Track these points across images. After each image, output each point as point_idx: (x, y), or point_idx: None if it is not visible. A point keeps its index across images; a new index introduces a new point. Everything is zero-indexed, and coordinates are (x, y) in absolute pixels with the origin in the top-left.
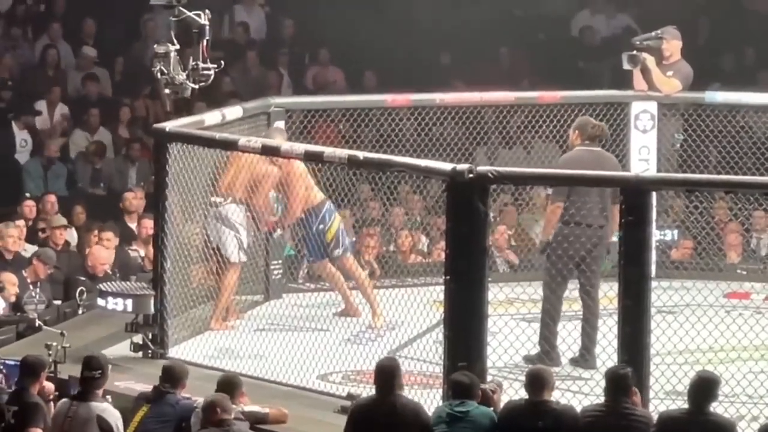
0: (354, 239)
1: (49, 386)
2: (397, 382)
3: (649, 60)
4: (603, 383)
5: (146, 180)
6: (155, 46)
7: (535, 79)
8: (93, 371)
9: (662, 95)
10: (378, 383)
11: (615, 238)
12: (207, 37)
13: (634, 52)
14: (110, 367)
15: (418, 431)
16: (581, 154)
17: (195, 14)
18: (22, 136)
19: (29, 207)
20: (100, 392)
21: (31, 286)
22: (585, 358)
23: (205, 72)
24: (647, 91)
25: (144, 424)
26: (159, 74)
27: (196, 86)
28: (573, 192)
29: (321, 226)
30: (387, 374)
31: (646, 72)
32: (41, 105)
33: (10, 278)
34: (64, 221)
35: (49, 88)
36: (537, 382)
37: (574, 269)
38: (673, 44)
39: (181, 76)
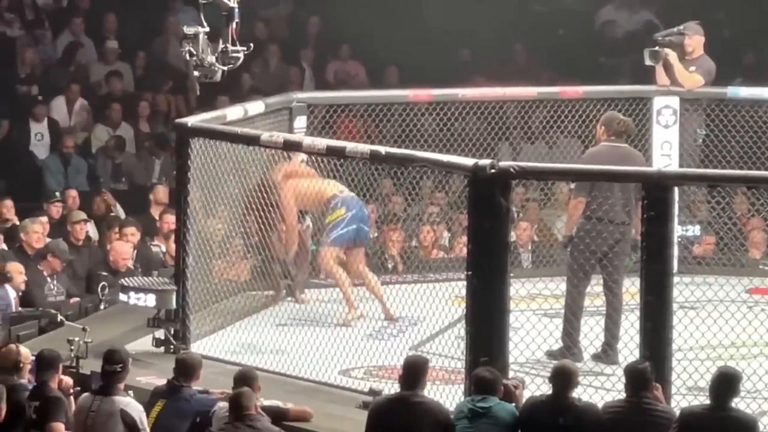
0: (376, 234)
1: (68, 380)
2: (422, 380)
3: (672, 55)
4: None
5: (168, 175)
6: (184, 27)
7: (556, 75)
8: (114, 365)
9: (684, 90)
10: (404, 378)
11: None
12: (236, 20)
13: (656, 48)
14: (131, 360)
15: (438, 430)
16: (605, 149)
17: None
18: (37, 130)
19: (57, 208)
20: (121, 386)
21: (48, 279)
22: (607, 354)
23: (235, 54)
24: (670, 86)
25: (160, 419)
26: (188, 56)
27: (225, 69)
28: (596, 187)
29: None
30: (416, 371)
31: (668, 68)
32: (60, 100)
33: (16, 267)
34: (83, 216)
35: (69, 83)
36: (562, 378)
37: (596, 265)
38: (695, 39)
39: (211, 58)
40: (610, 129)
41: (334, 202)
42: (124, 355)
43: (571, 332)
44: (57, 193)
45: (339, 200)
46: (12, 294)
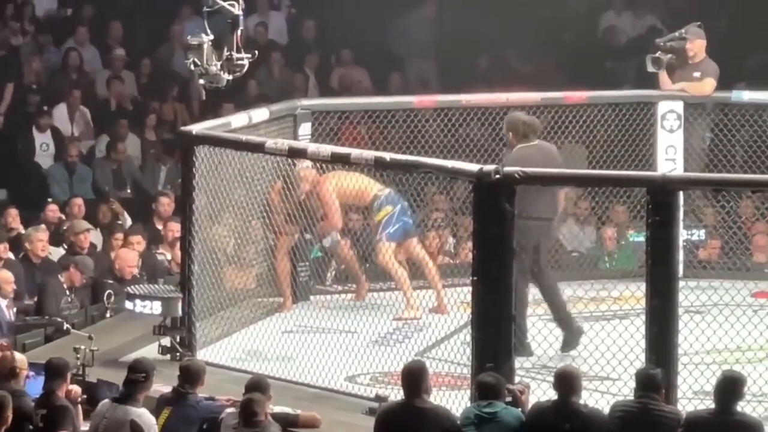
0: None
1: (77, 389)
2: (424, 385)
3: (681, 84)
4: (631, 384)
5: (174, 183)
6: (188, 37)
7: (561, 79)
8: (137, 374)
9: (688, 95)
10: (405, 386)
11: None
12: (241, 27)
13: (658, 54)
14: (155, 372)
15: None
16: (523, 152)
17: (229, 4)
18: (42, 140)
19: (52, 211)
20: (141, 397)
21: (67, 292)
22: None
23: (239, 62)
24: (672, 90)
25: (167, 426)
26: (192, 66)
27: (230, 77)
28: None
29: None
30: (414, 377)
31: (671, 71)
32: (62, 109)
33: (6, 276)
34: (86, 225)
35: (71, 90)
36: (565, 382)
37: (532, 260)
38: (696, 44)
39: (215, 68)
40: (518, 133)
41: (378, 202)
42: (149, 365)
43: (520, 325)
44: (49, 198)
45: (383, 198)
46: (3, 303)
